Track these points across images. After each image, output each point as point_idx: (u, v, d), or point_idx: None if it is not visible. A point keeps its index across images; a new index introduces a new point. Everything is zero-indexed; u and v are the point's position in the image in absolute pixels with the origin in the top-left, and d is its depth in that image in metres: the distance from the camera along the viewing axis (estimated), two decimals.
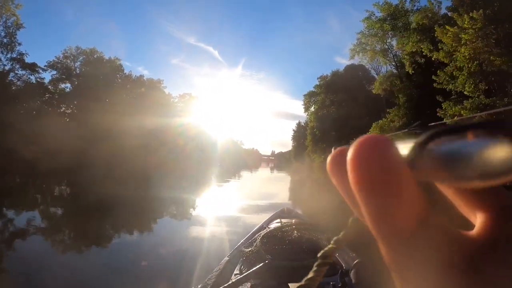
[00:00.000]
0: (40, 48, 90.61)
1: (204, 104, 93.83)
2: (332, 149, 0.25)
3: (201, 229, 9.40)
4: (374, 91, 31.25)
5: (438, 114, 21.82)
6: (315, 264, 0.26)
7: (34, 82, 52.02)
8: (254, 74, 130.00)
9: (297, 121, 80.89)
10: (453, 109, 20.67)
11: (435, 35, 22.19)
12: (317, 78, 50.79)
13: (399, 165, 0.19)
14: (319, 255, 0.26)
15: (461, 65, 19.98)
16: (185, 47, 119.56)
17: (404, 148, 0.19)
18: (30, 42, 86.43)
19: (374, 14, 29.12)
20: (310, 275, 0.26)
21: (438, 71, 22.05)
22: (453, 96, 21.85)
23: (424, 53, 26.22)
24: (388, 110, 28.96)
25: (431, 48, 24.46)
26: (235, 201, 15.75)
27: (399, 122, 27.26)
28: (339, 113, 44.17)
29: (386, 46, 30.63)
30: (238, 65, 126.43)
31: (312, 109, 51.10)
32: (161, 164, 33.45)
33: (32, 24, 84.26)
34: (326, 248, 0.26)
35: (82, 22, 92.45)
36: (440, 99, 22.20)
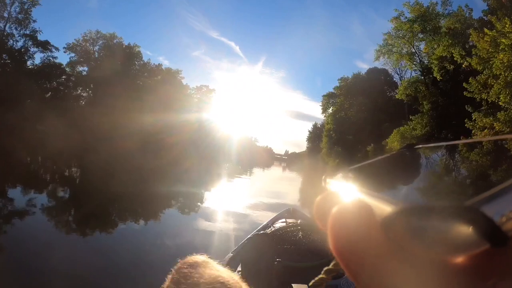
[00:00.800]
0: (62, 34, 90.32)
1: (222, 99, 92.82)
2: (323, 179, 0.27)
3: (208, 223, 9.53)
4: (397, 96, 29.32)
5: (466, 125, 20.03)
6: (324, 269, 0.28)
7: (53, 62, 52.30)
8: (274, 72, 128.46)
9: (313, 123, 79.22)
10: (483, 120, 18.87)
11: (467, 41, 20.44)
12: (338, 80, 48.88)
13: (374, 232, 0.20)
14: (331, 265, 0.28)
15: (497, 73, 18.06)
16: (207, 41, 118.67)
17: (380, 207, 0.21)
18: (51, 27, 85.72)
19: (404, 14, 27.27)
20: (317, 279, 0.28)
21: (470, 79, 20.17)
22: (483, 107, 20.01)
23: (454, 59, 24.42)
24: (410, 117, 27.07)
25: (463, 53, 22.60)
26: (245, 197, 15.82)
27: (421, 130, 25.48)
28: (358, 117, 42.29)
29: (413, 50, 28.74)
30: (258, 62, 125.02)
31: (330, 110, 49.13)
32: (175, 159, 32.58)
33: (54, 10, 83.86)
34: (317, 278, 0.27)
35: (105, 10, 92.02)
36: (469, 109, 20.35)
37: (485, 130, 18.98)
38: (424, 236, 0.18)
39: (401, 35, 28.22)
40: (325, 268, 0.28)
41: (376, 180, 0.28)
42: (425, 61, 28.45)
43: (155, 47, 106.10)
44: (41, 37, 49.14)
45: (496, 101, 18.32)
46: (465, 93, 20.47)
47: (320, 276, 0.29)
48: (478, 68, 19.91)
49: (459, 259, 0.18)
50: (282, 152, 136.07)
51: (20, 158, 19.32)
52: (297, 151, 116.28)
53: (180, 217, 10.50)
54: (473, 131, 19.83)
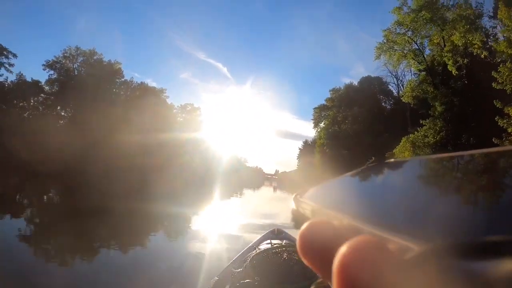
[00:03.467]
0: (47, 56, 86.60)
1: (211, 120, 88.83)
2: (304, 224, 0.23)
3: (195, 245, 9.30)
4: (403, 99, 24.56)
5: (499, 123, 15.52)
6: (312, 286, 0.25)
7: (28, 80, 48.28)
8: (262, 92, 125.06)
9: (303, 140, 74.85)
10: None
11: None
12: (329, 91, 44.31)
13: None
14: (317, 282, 0.26)
15: None
16: (195, 62, 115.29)
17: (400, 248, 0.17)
18: (36, 51, 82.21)
19: (407, 3, 22.84)
20: None
21: (500, 67, 15.77)
22: None
23: (468, 51, 20.17)
24: (421, 122, 22.29)
25: (484, 39, 18.30)
26: (234, 219, 15.25)
27: (434, 136, 20.83)
28: (353, 129, 37.52)
29: (417, 46, 24.35)
30: (246, 82, 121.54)
31: (322, 124, 44.42)
32: (160, 180, 29.52)
33: (40, 34, 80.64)
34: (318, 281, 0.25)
35: (92, 32, 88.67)
36: (498, 105, 15.87)
37: None
38: (475, 278, 0.14)
39: (402, 32, 23.97)
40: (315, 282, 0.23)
41: (356, 199, 0.25)
42: (432, 57, 24.18)
43: (143, 69, 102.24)
44: (27, 60, 44.93)
45: None
46: (493, 84, 16.02)
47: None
48: (509, 52, 15.58)
49: None
50: (273, 172, 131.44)
51: None
52: (287, 170, 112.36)
53: (166, 240, 10.13)
54: (509, 130, 15.33)
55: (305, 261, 0.22)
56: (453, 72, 20.84)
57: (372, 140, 33.45)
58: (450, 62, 20.66)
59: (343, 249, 0.18)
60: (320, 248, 0.21)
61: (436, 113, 21.63)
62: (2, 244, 7.65)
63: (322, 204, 0.23)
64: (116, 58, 53.46)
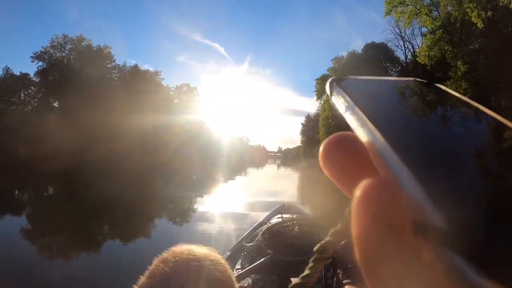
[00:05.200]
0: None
1: (211, 101, 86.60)
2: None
3: (204, 224, 9.28)
4: (419, 59, 21.74)
5: None
6: (311, 259, 0.23)
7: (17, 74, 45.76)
8: (260, 71, 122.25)
9: (306, 115, 72.37)
10: None
11: None
12: (331, 60, 41.31)
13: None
14: (315, 249, 0.23)
15: None
16: (191, 44, 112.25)
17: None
18: (31, 41, 79.66)
19: None
20: (306, 272, 0.23)
21: None
22: None
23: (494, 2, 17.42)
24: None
25: None
26: (241, 198, 15.22)
27: None
28: None
29: (430, 0, 21.37)
30: (244, 61, 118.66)
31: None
32: (163, 163, 30.33)
33: (33, 23, 77.73)
34: (322, 242, 0.22)
35: (86, 22, 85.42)
36: None
37: None
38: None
39: None
40: (332, 230, 0.23)
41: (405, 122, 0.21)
42: (447, 14, 21.33)
43: (140, 55, 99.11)
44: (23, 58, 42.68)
45: None
46: None
47: (327, 239, 0.23)
48: None
49: None
50: (276, 149, 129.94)
51: None
52: (290, 147, 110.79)
53: (173, 223, 9.98)
54: None
55: (324, 171, 0.21)
56: (479, 24, 18.01)
57: None
58: (474, 14, 17.79)
59: (365, 185, 0.16)
60: (342, 164, 0.20)
61: (459, 73, 18.95)
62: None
63: (359, 106, 0.20)
64: (111, 45, 50.05)
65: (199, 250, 0.73)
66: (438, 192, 0.14)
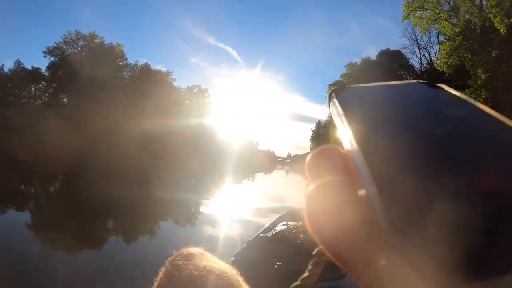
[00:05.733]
0: None
1: (222, 104, 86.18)
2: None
3: (209, 230, 9.25)
4: (438, 67, 20.74)
5: None
6: (311, 262, 0.22)
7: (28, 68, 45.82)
8: (272, 76, 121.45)
9: (316, 122, 71.33)
10: None
11: None
12: (345, 66, 40.21)
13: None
14: (314, 252, 0.22)
15: None
16: (205, 47, 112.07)
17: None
18: (45, 37, 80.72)
19: None
20: (306, 274, 0.22)
21: None
22: None
23: None
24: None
25: None
26: (249, 203, 15.04)
27: None
28: None
29: (449, 5, 20.35)
30: (257, 65, 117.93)
31: None
32: (170, 166, 30.03)
33: (47, 21, 78.44)
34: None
35: (100, 22, 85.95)
36: None
37: None
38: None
39: None
40: (311, 261, 0.22)
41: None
42: (467, 21, 20.29)
43: (153, 55, 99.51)
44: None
45: None
46: None
47: (307, 274, 0.22)
48: None
49: None
50: (285, 155, 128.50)
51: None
52: (299, 153, 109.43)
53: (179, 226, 9.99)
54: None
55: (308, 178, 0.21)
56: (502, 31, 16.96)
57: None
58: (496, 20, 16.71)
59: (310, 188, 0.18)
60: (319, 171, 0.20)
61: (479, 82, 17.88)
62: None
63: (346, 114, 0.20)
64: (124, 44, 49.73)
65: (212, 262, 0.69)
66: (390, 197, 0.14)
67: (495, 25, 16.93)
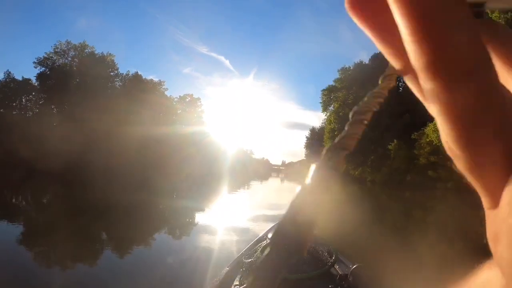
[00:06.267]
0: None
1: (215, 113, 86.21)
2: None
3: (204, 239, 9.08)
4: None
5: None
6: (348, 123, 0.17)
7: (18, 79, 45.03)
8: (265, 84, 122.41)
9: (310, 128, 71.02)
10: None
11: None
12: (338, 70, 39.71)
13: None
14: (351, 113, 0.17)
15: None
16: (197, 57, 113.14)
17: None
18: (36, 48, 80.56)
19: None
20: (344, 133, 0.17)
21: None
22: None
23: None
24: None
25: None
26: (244, 211, 14.76)
27: None
28: None
29: None
30: (249, 74, 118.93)
31: (332, 107, 40.03)
32: (164, 174, 29.74)
33: (38, 31, 78.39)
34: (360, 103, 0.17)
35: (92, 32, 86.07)
36: None
37: None
38: None
39: None
40: (370, 92, 0.18)
41: None
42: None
43: (146, 66, 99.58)
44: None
45: None
46: None
47: (365, 100, 0.18)
48: None
49: None
50: (279, 163, 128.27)
51: None
52: (294, 161, 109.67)
53: (174, 235, 9.78)
54: None
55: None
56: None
57: (391, 121, 29.56)
58: (494, 15, 16.48)
59: None
60: None
61: None
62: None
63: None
64: (115, 54, 49.27)
65: None
66: None
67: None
